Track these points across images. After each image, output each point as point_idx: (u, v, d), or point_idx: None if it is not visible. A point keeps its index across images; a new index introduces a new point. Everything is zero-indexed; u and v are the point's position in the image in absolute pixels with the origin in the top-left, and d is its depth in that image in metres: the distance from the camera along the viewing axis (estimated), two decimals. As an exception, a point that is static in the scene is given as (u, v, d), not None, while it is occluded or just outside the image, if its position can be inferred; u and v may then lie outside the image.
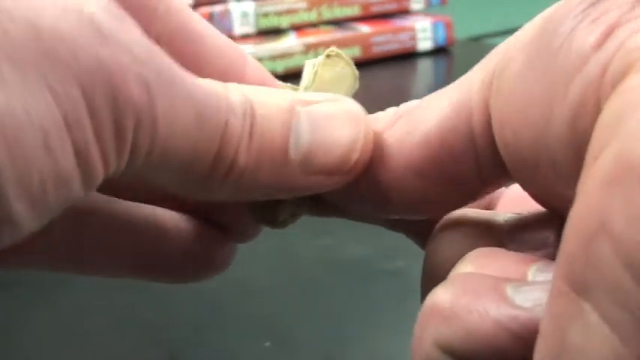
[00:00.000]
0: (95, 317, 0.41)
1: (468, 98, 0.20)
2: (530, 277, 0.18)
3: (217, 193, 0.20)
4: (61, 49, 0.16)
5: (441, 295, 0.18)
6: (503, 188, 0.25)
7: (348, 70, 0.24)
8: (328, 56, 0.24)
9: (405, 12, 0.98)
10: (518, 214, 0.21)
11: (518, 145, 0.18)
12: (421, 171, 0.20)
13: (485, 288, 0.18)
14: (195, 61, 0.22)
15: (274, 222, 0.24)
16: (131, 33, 0.18)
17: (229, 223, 0.26)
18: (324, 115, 0.21)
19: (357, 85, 0.25)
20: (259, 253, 0.46)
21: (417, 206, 0.22)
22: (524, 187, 0.20)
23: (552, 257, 0.20)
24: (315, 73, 0.24)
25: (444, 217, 0.22)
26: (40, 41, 0.16)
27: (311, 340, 0.37)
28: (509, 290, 0.17)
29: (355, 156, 0.21)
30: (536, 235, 0.20)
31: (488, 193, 0.22)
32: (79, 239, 0.24)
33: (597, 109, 0.15)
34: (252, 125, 0.20)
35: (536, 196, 0.20)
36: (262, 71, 0.24)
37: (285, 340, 0.37)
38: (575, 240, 0.14)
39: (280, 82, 0.25)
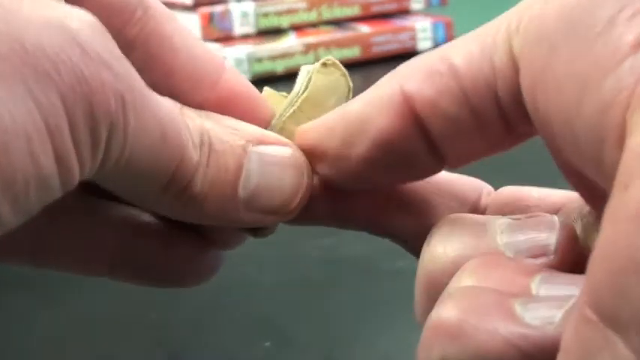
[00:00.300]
0: (96, 317, 0.41)
1: (493, 39, 0.20)
2: (534, 290, 0.18)
3: (166, 210, 0.22)
4: (44, 62, 0.17)
5: (446, 312, 0.18)
6: (491, 190, 0.25)
7: (343, 81, 0.25)
8: (324, 65, 0.24)
9: (405, 12, 0.98)
10: (516, 218, 0.21)
11: (548, 113, 0.18)
12: (449, 106, 0.20)
13: (493, 304, 0.17)
14: (168, 66, 0.23)
15: (254, 232, 0.24)
16: (111, 51, 0.19)
17: (211, 231, 0.26)
18: (273, 160, 0.22)
19: (350, 97, 0.25)
20: (259, 253, 0.46)
21: (443, 150, 0.21)
22: (547, 144, 0.20)
23: (553, 266, 0.20)
24: (309, 80, 0.24)
25: (439, 221, 0.22)
26: (24, 54, 0.17)
27: (311, 340, 0.37)
28: (518, 307, 0.17)
29: (296, 202, 0.23)
30: (536, 243, 0.20)
31: (513, 142, 0.22)
32: (56, 234, 0.24)
33: (626, 115, 0.15)
34: (209, 157, 0.21)
35: (556, 158, 0.20)
36: (240, 81, 0.24)
37: (285, 340, 0.37)
38: (605, 271, 0.14)
39: (269, 90, 0.25)
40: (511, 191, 0.24)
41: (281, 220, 0.23)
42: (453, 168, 0.23)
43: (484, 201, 0.24)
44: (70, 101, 0.18)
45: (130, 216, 0.25)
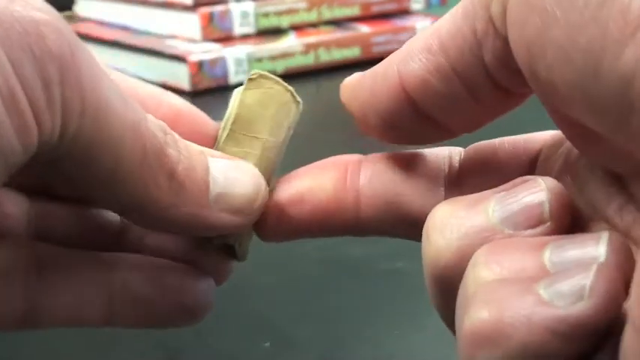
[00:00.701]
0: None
1: (472, 3, 0.20)
2: (547, 264, 0.18)
3: (148, 197, 0.21)
4: None
5: (478, 316, 0.17)
6: (462, 151, 0.24)
7: (278, 88, 0.25)
8: (250, 80, 0.25)
9: (405, 12, 0.98)
10: (504, 190, 0.21)
11: (552, 80, 0.18)
12: (439, 83, 0.21)
13: (519, 296, 0.17)
14: None
15: (233, 252, 0.25)
16: (43, 4, 0.19)
17: (200, 259, 0.26)
18: (231, 165, 0.23)
19: (298, 100, 0.25)
20: (259, 253, 0.46)
21: (445, 123, 0.22)
22: (543, 100, 0.19)
23: (550, 232, 0.19)
24: (237, 99, 0.25)
25: (431, 211, 0.21)
26: None
27: (311, 340, 0.37)
28: (543, 292, 0.17)
29: (258, 202, 0.23)
30: (530, 213, 0.20)
31: (513, 104, 0.22)
32: (46, 292, 0.24)
33: None
34: (178, 145, 0.22)
35: (551, 111, 0.20)
36: (180, 100, 0.25)
37: (285, 340, 0.37)
38: None
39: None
40: (481, 148, 0.24)
41: (243, 223, 0.24)
42: (463, 134, 0.23)
43: (456, 164, 0.24)
44: (6, 42, 0.18)
45: (119, 258, 0.25)
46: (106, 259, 0.25)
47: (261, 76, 0.25)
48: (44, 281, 0.24)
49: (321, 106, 0.79)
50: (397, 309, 0.40)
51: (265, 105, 0.24)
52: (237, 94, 0.25)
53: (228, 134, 0.24)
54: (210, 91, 0.81)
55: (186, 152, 0.22)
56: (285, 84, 0.25)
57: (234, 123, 0.24)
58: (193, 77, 0.81)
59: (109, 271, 0.24)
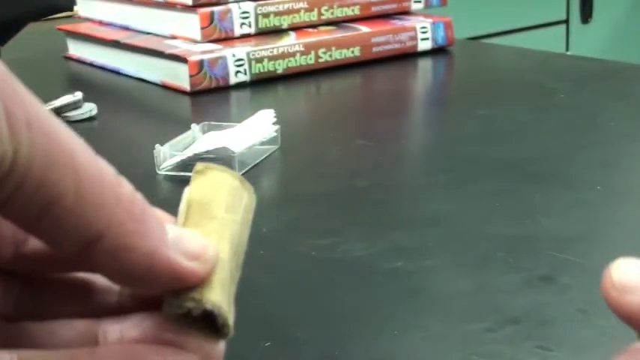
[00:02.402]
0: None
1: None
2: None
3: (112, 218, 0.21)
4: None
5: None
6: None
7: (226, 175, 0.25)
8: (197, 172, 0.25)
9: (405, 12, 0.98)
10: None
11: None
12: None
13: None
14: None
15: (216, 327, 0.25)
16: None
17: (179, 345, 0.25)
18: (179, 229, 0.24)
19: (249, 187, 0.26)
20: (259, 253, 0.46)
21: None
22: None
23: None
24: (188, 191, 0.25)
25: None
26: None
27: (311, 340, 0.37)
28: None
29: (211, 251, 0.24)
30: None
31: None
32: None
33: None
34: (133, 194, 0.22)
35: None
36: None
37: (285, 340, 0.37)
38: None
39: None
40: None
41: (201, 272, 0.24)
42: None
43: None
44: None
45: (94, 350, 0.24)
46: (82, 352, 0.23)
47: (207, 167, 0.25)
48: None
49: (320, 106, 0.79)
50: (397, 309, 0.40)
51: (217, 189, 0.25)
52: (187, 187, 0.25)
53: (185, 219, 0.25)
54: (210, 92, 0.81)
55: (139, 197, 0.23)
56: (233, 172, 0.25)
57: (189, 208, 0.25)
58: (193, 77, 0.81)
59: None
